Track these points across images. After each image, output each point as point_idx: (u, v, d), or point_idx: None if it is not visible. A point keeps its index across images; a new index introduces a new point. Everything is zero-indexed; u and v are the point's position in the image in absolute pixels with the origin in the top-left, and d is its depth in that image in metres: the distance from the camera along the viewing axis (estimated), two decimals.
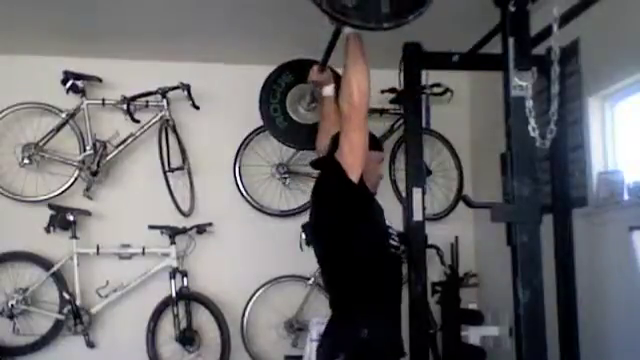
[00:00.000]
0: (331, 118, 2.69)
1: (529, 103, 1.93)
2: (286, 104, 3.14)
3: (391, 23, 1.97)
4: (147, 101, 4.30)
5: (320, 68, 2.76)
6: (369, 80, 2.21)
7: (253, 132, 4.45)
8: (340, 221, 2.29)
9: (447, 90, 4.40)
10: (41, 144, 4.21)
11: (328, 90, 2.77)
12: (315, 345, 3.62)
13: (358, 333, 2.20)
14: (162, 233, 4.27)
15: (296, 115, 3.15)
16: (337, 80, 2.84)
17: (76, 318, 4.13)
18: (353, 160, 2.21)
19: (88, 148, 4.25)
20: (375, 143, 2.54)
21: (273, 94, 3.15)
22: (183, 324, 4.21)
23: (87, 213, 4.29)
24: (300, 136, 3.14)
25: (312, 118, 3.10)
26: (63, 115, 4.24)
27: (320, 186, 2.43)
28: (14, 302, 4.11)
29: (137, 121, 4.28)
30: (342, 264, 2.32)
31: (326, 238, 2.38)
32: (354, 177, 2.22)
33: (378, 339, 2.23)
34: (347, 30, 2.22)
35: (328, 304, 2.42)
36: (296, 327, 4.36)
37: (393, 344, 2.33)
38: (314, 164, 2.57)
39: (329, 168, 2.32)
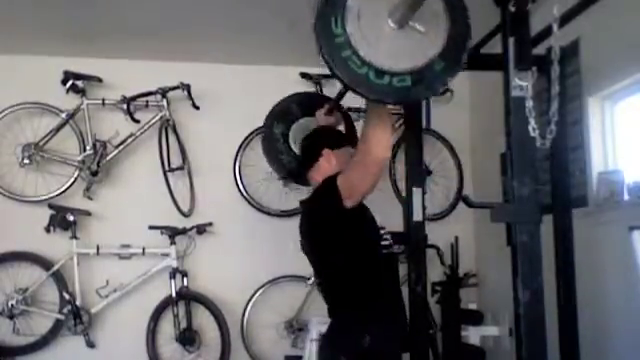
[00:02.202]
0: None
1: (529, 103, 1.93)
2: (291, 148, 2.96)
3: (450, 74, 1.88)
4: (147, 101, 4.30)
5: (328, 110, 2.70)
6: (389, 151, 2.17)
7: (253, 132, 4.44)
8: (333, 243, 2.28)
9: (447, 90, 4.40)
10: (41, 144, 4.21)
11: None
12: (315, 345, 3.63)
13: (360, 341, 2.20)
14: (162, 233, 4.27)
15: None
16: (345, 118, 2.80)
17: (76, 318, 4.13)
18: (350, 196, 2.19)
19: (88, 148, 4.25)
20: (341, 139, 2.51)
21: (279, 151, 3.00)
22: (183, 324, 4.21)
23: (87, 213, 4.29)
24: None
25: None
26: (63, 115, 4.24)
27: (312, 212, 2.40)
28: (14, 302, 4.11)
29: (137, 121, 4.28)
30: (337, 274, 2.31)
31: (319, 254, 2.38)
32: (348, 203, 2.19)
33: (380, 346, 2.22)
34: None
35: (327, 312, 2.42)
36: (296, 327, 4.35)
37: (395, 349, 2.33)
38: (304, 202, 2.51)
39: (325, 191, 2.30)
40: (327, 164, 2.40)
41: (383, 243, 2.38)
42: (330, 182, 2.26)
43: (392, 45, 1.78)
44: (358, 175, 2.16)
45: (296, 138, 2.93)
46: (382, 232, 2.42)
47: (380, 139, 2.08)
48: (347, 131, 2.72)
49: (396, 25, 1.76)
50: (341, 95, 2.63)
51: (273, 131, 2.98)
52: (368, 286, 2.29)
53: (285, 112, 3.00)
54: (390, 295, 2.37)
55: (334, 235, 2.27)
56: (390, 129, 2.13)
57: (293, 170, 2.90)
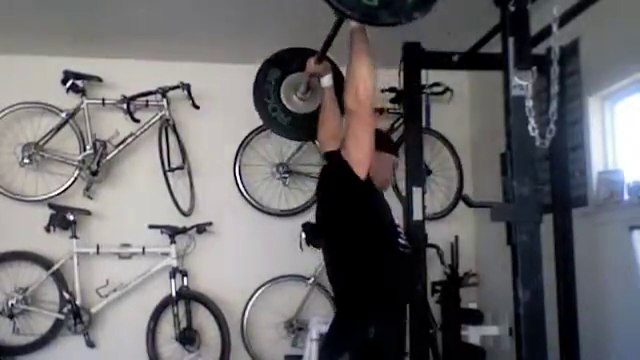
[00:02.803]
0: (331, 108, 2.66)
1: (529, 103, 1.93)
2: (282, 99, 3.00)
3: (420, 12, 1.91)
4: (147, 101, 4.30)
5: (318, 59, 2.71)
6: (374, 74, 2.20)
7: (253, 132, 4.45)
8: (347, 216, 2.29)
9: (447, 90, 4.40)
10: (41, 144, 4.21)
11: (326, 80, 2.72)
12: (315, 345, 3.63)
13: (366, 332, 2.19)
14: (162, 233, 4.27)
15: (294, 107, 3.01)
16: (335, 70, 2.82)
17: (76, 318, 4.13)
18: (359, 156, 2.21)
19: (88, 148, 4.25)
20: (388, 144, 2.54)
21: (267, 94, 3.05)
22: (183, 324, 4.21)
23: (87, 213, 4.29)
24: (305, 128, 2.99)
25: (307, 107, 2.98)
26: (63, 115, 4.24)
27: (326, 183, 2.43)
28: (14, 302, 4.11)
29: (137, 121, 4.28)
30: (350, 259, 2.29)
31: (334, 233, 2.37)
32: (361, 173, 2.21)
33: (385, 339, 2.22)
34: (353, 24, 2.19)
35: (332, 299, 2.41)
36: (296, 327, 4.35)
37: (399, 345, 2.33)
38: (327, 156, 2.55)
39: (336, 165, 2.32)
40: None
41: (400, 241, 2.36)
42: (337, 158, 2.29)
43: None
44: (359, 141, 2.20)
45: (288, 90, 2.97)
46: (399, 229, 2.42)
47: (362, 76, 2.16)
48: (335, 79, 2.72)
49: None
50: (329, 40, 2.62)
51: (267, 74, 3.00)
52: (382, 279, 2.27)
53: (282, 61, 3.02)
54: (403, 296, 2.36)
55: (350, 208, 2.28)
56: (368, 59, 2.19)
57: (276, 118, 2.95)
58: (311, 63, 2.75)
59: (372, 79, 2.18)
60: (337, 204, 2.33)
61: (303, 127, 2.97)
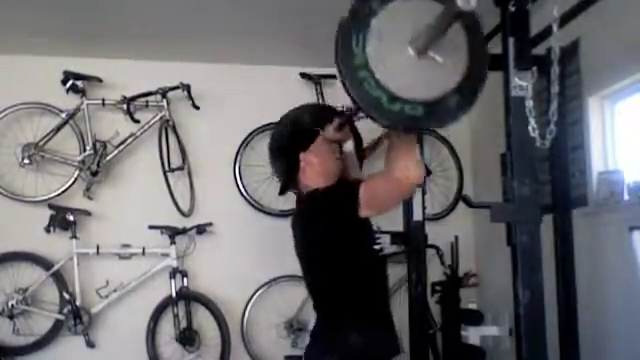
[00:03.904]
0: (347, 173, 2.53)
1: (529, 103, 1.93)
2: None
3: (464, 110, 1.83)
4: (147, 101, 4.30)
5: (338, 127, 2.55)
6: (416, 175, 2.06)
7: (253, 132, 4.45)
8: (333, 249, 2.25)
9: None
10: (41, 144, 4.20)
11: (347, 147, 2.60)
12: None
13: (348, 338, 2.19)
14: (162, 233, 4.27)
15: None
16: (355, 133, 2.76)
17: (76, 318, 4.13)
18: (371, 207, 2.14)
19: (88, 148, 4.24)
20: (306, 133, 2.42)
21: None
22: (183, 324, 4.21)
23: (87, 213, 4.28)
24: None
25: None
26: (63, 115, 4.24)
27: (317, 208, 2.36)
28: (14, 302, 4.11)
29: (137, 121, 4.28)
30: (330, 277, 2.29)
31: (314, 257, 2.36)
32: (364, 214, 2.15)
33: (369, 342, 2.21)
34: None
35: (313, 307, 2.40)
36: (296, 327, 4.35)
37: (384, 346, 2.32)
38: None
39: (336, 195, 2.24)
40: (310, 166, 2.36)
41: (376, 247, 2.35)
42: (348, 188, 2.18)
43: (409, 73, 1.76)
44: (386, 191, 2.11)
45: None
46: (376, 235, 2.39)
47: (405, 166, 2.02)
48: (356, 148, 2.65)
49: (415, 53, 1.75)
50: (353, 114, 2.57)
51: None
52: (359, 288, 2.27)
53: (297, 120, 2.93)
54: (378, 297, 2.36)
55: (333, 243, 2.24)
56: (414, 153, 2.05)
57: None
58: (331, 130, 2.67)
59: (414, 180, 2.06)
60: (323, 230, 2.28)
61: None
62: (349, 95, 1.78)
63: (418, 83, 1.77)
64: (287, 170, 2.43)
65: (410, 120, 1.77)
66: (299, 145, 2.39)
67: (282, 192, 2.63)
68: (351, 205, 2.13)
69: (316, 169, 2.35)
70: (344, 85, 1.77)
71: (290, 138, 2.46)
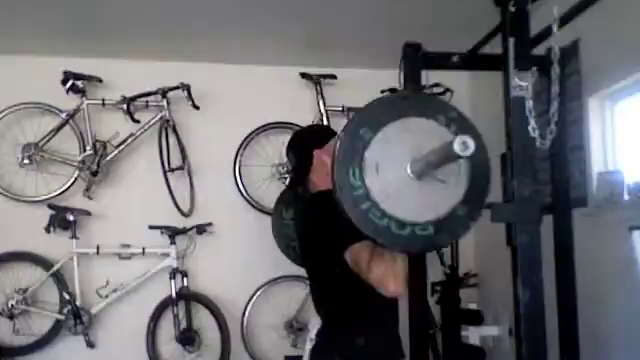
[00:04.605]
0: None
1: (529, 103, 1.93)
2: None
3: (474, 219, 1.79)
4: (147, 101, 4.30)
5: None
6: (399, 287, 1.98)
7: (253, 132, 4.45)
8: (332, 240, 2.24)
9: (447, 90, 4.40)
10: (41, 144, 4.21)
11: None
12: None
13: (354, 341, 2.18)
14: (162, 233, 4.28)
15: None
16: None
17: (76, 318, 4.13)
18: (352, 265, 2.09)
19: (88, 148, 4.25)
20: (324, 134, 2.40)
21: (287, 234, 2.85)
22: (183, 324, 4.21)
23: (87, 213, 4.29)
24: None
25: None
26: (63, 115, 4.24)
27: (318, 211, 2.35)
28: (14, 302, 4.12)
29: (137, 121, 4.28)
30: (333, 282, 2.28)
31: (316, 263, 2.35)
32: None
33: (375, 346, 2.21)
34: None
35: (316, 310, 2.39)
36: (296, 327, 4.36)
37: (390, 350, 2.31)
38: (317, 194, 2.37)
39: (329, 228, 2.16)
40: (321, 165, 2.36)
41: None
42: (339, 236, 2.07)
43: (413, 196, 1.71)
44: (366, 275, 2.03)
45: None
46: None
47: (381, 279, 1.95)
48: None
49: (416, 176, 1.73)
50: None
51: (282, 217, 2.90)
52: (363, 290, 2.26)
53: (294, 196, 2.91)
54: (384, 300, 2.36)
55: (333, 236, 2.24)
56: (400, 266, 1.97)
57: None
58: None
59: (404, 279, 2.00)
60: (323, 230, 2.27)
61: None
62: (355, 225, 1.74)
63: (424, 205, 1.72)
64: (299, 164, 2.41)
65: (422, 239, 1.73)
66: (315, 141, 2.37)
67: (291, 186, 2.63)
68: (338, 245, 2.07)
69: (327, 169, 2.32)
70: (348, 217, 1.72)
71: (308, 133, 2.53)
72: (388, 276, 1.94)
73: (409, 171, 1.72)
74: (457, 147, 1.45)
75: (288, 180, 2.62)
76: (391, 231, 1.70)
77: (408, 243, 1.73)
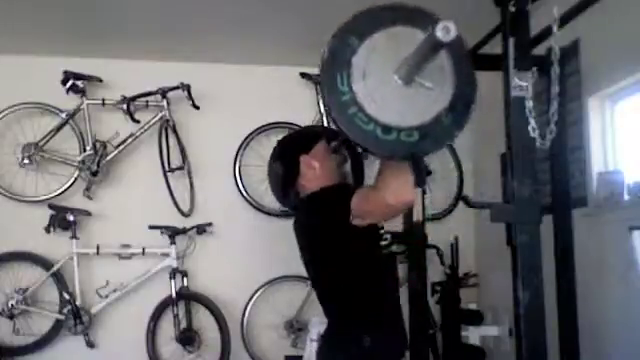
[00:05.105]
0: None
1: (529, 103, 1.93)
2: None
3: (459, 128, 1.82)
4: (147, 101, 4.30)
5: (333, 150, 2.52)
6: (406, 197, 1.99)
7: (253, 132, 4.45)
8: (336, 252, 2.24)
9: None
10: (41, 144, 4.21)
11: (345, 168, 2.57)
12: (315, 345, 3.63)
13: (360, 341, 2.18)
14: (162, 233, 4.27)
15: None
16: (353, 156, 2.73)
17: (76, 318, 4.13)
18: (362, 218, 2.10)
19: (88, 148, 4.25)
20: (308, 139, 2.44)
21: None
22: (183, 324, 4.21)
23: (87, 213, 4.29)
24: None
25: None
26: (63, 115, 4.24)
27: (312, 221, 2.34)
28: (14, 302, 4.12)
29: (137, 121, 4.28)
30: (337, 280, 2.29)
31: (319, 263, 2.36)
32: (357, 223, 2.11)
33: (380, 346, 2.21)
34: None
35: (323, 311, 2.40)
36: (296, 327, 4.36)
37: (395, 349, 2.32)
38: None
39: (330, 202, 2.23)
40: (310, 169, 2.36)
41: (382, 243, 2.36)
42: (340, 195, 2.16)
43: (399, 101, 1.75)
44: (375, 209, 2.07)
45: None
46: (382, 231, 2.40)
47: (395, 190, 1.95)
48: (354, 170, 2.64)
49: (403, 82, 1.74)
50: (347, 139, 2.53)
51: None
52: (368, 289, 2.27)
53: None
54: (389, 297, 2.36)
55: (337, 245, 2.24)
56: (405, 176, 1.93)
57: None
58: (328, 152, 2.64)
59: (404, 201, 2.00)
60: (324, 230, 2.27)
61: None
62: (340, 131, 1.76)
63: (410, 110, 1.75)
64: (286, 173, 2.43)
65: (407, 147, 1.75)
66: (300, 148, 2.40)
67: (283, 199, 2.62)
68: (344, 209, 2.10)
69: (317, 172, 2.34)
70: (335, 123, 1.75)
71: (291, 141, 2.51)
72: (402, 186, 1.93)
73: (396, 77, 1.74)
74: (440, 33, 1.47)
75: (279, 195, 2.63)
76: (377, 136, 1.73)
77: (393, 149, 1.75)
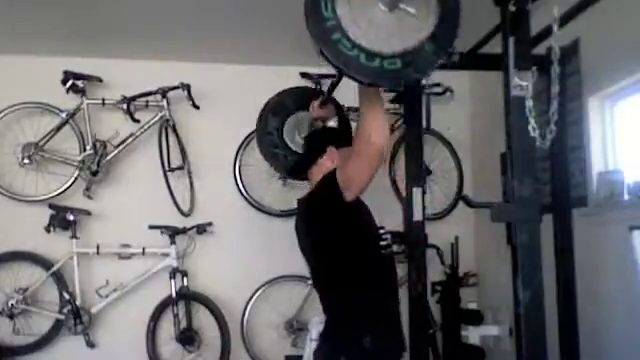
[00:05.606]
0: None
1: (529, 103, 1.93)
2: (286, 142, 2.94)
3: (441, 55, 1.86)
4: (147, 101, 4.30)
5: (322, 102, 2.70)
6: (387, 138, 2.17)
7: (253, 132, 4.43)
8: (333, 241, 2.28)
9: (447, 90, 4.40)
10: (41, 144, 4.21)
11: (331, 124, 2.73)
12: (315, 345, 3.63)
13: (360, 340, 2.19)
14: (162, 233, 4.27)
15: (299, 148, 2.93)
16: (339, 112, 2.80)
17: (76, 318, 4.13)
18: (349, 187, 2.21)
19: (88, 148, 4.25)
20: (347, 139, 2.52)
21: (272, 144, 2.93)
22: (183, 324, 4.21)
23: (87, 213, 4.28)
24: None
25: None
26: (63, 115, 4.24)
27: (312, 209, 2.44)
28: (14, 302, 4.11)
29: (137, 121, 4.28)
30: (335, 273, 2.31)
31: (317, 252, 2.38)
32: (349, 196, 2.21)
33: (380, 346, 2.21)
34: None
35: (323, 309, 2.41)
36: (296, 327, 4.36)
37: (393, 347, 2.32)
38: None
39: (324, 187, 2.34)
40: (330, 162, 2.41)
41: (382, 243, 2.37)
42: (329, 177, 2.28)
43: (383, 28, 1.78)
44: (358, 165, 2.16)
45: (291, 132, 2.94)
46: (381, 232, 2.41)
47: (376, 126, 2.08)
48: (340, 123, 2.72)
49: (387, 8, 1.77)
50: (333, 87, 2.63)
51: (267, 124, 2.99)
52: (367, 285, 2.28)
53: (279, 106, 3.01)
54: (389, 297, 2.37)
55: (334, 232, 2.27)
56: (383, 114, 2.13)
57: (289, 164, 2.89)
58: (315, 107, 2.73)
59: (387, 133, 2.16)
60: (323, 227, 2.32)
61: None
62: (326, 59, 1.79)
63: (393, 36, 1.78)
64: (309, 151, 2.55)
65: (390, 74, 1.78)
66: (333, 139, 2.51)
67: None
68: (334, 193, 2.20)
69: (324, 170, 2.39)
70: (321, 52, 1.78)
71: (330, 130, 2.66)
72: (375, 127, 2.08)
73: (380, 2, 1.76)
74: None
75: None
76: (360, 62, 1.76)
77: (376, 76, 1.79)
